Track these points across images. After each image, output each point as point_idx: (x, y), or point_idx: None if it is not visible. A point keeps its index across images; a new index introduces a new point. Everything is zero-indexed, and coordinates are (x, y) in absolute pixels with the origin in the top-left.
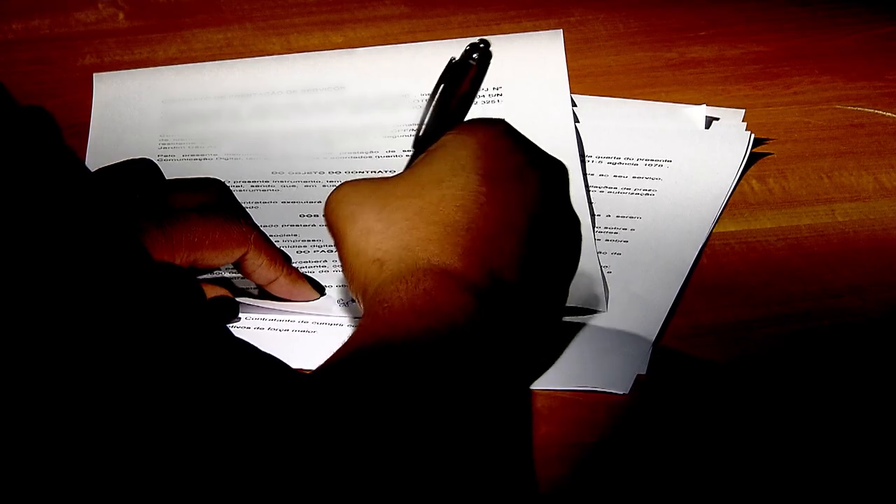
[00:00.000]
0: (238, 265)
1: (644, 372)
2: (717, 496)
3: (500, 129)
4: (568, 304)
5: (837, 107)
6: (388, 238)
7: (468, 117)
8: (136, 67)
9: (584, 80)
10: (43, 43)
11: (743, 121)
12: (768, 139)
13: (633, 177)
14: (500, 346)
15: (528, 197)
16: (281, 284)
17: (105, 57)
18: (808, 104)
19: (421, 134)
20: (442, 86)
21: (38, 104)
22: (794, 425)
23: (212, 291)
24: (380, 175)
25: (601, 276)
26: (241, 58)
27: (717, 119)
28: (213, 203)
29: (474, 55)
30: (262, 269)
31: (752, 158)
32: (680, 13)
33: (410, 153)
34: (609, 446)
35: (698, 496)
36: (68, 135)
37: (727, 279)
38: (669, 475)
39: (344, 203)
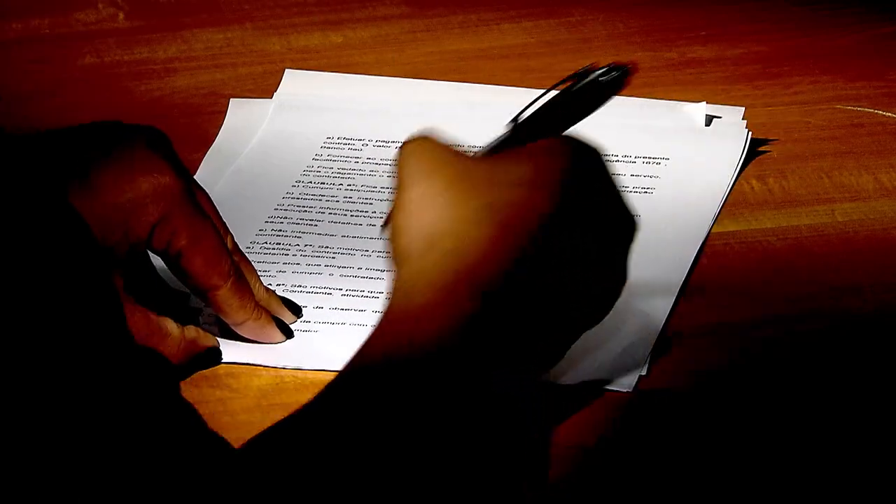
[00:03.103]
0: (206, 297)
1: (644, 372)
2: (718, 496)
3: (589, 158)
4: None
5: (837, 107)
6: (445, 219)
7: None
8: (135, 67)
9: None
10: (43, 43)
11: (743, 118)
12: (768, 139)
13: (631, 175)
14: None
15: (585, 234)
16: (248, 328)
17: (105, 57)
18: (808, 104)
19: (520, 119)
20: (565, 87)
21: (37, 104)
22: (795, 425)
23: (206, 340)
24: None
25: None
26: (294, 68)
27: (719, 117)
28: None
29: (605, 77)
30: (231, 309)
31: (753, 158)
32: (680, 13)
33: (505, 131)
34: (609, 447)
35: (698, 496)
36: None
37: (727, 279)
38: (669, 475)
39: (418, 158)
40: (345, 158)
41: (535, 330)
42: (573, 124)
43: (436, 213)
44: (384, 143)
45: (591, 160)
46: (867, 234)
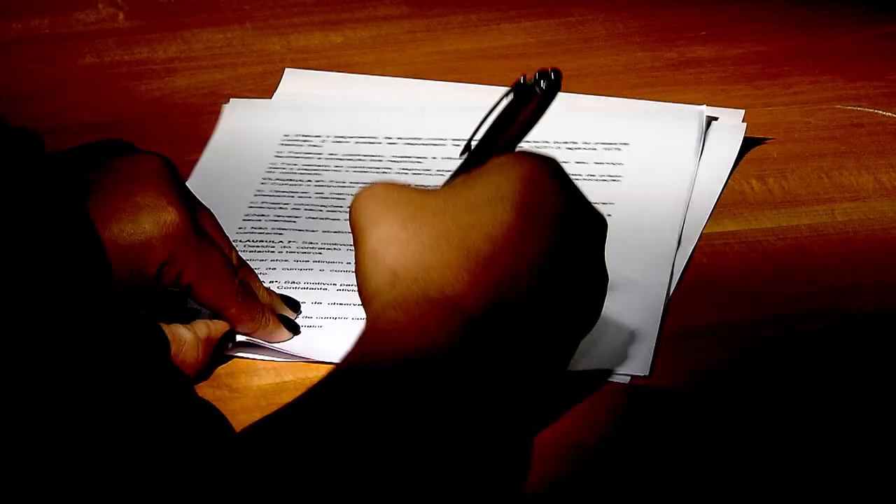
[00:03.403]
0: (217, 314)
1: (645, 372)
2: (717, 495)
3: (548, 167)
4: None
5: (837, 107)
6: (408, 252)
7: (524, 142)
8: (135, 67)
9: (583, 79)
10: (43, 43)
11: (743, 121)
12: (768, 139)
13: (595, 162)
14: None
15: (559, 241)
16: (257, 334)
17: (105, 57)
18: (808, 104)
19: (472, 145)
20: (504, 102)
21: (37, 104)
22: (795, 425)
23: (218, 328)
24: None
25: None
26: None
27: (716, 118)
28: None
29: (542, 83)
30: (241, 323)
31: (753, 158)
32: (680, 13)
33: (461, 161)
34: (609, 446)
35: (698, 495)
36: (69, 136)
37: (727, 279)
38: (669, 474)
39: (373, 203)
40: (307, 155)
41: (517, 337)
42: (522, 138)
43: (398, 249)
44: (342, 139)
45: (544, 169)
46: (867, 234)
